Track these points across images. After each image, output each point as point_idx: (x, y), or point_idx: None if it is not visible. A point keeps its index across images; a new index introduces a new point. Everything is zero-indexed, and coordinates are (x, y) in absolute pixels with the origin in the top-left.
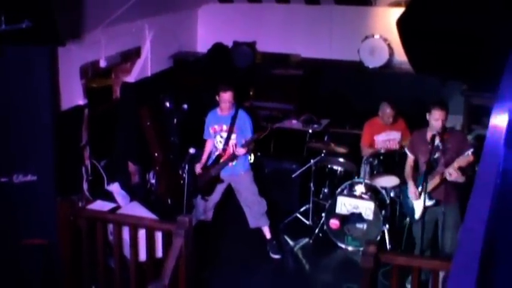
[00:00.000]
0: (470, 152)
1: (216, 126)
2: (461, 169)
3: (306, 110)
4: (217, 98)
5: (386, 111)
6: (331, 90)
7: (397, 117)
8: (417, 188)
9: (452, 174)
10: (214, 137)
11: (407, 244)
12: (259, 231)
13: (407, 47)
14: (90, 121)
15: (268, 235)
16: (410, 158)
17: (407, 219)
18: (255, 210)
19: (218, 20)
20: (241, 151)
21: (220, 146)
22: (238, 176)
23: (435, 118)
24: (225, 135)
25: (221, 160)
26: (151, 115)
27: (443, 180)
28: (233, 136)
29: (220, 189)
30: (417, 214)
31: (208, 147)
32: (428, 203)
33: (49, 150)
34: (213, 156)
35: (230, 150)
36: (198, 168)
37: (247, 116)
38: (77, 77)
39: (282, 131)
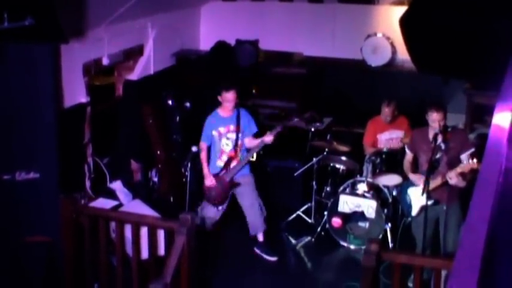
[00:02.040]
0: (473, 154)
1: (222, 129)
2: (462, 174)
3: (308, 108)
4: (219, 98)
5: (385, 110)
6: (333, 89)
7: (400, 116)
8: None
9: (453, 178)
10: (220, 140)
11: (402, 242)
12: (267, 231)
13: (410, 45)
14: (93, 119)
15: (261, 238)
16: (409, 155)
17: (410, 218)
18: (258, 217)
19: (221, 18)
20: (269, 138)
21: (228, 149)
22: (245, 176)
23: (432, 120)
24: (232, 136)
25: (233, 163)
26: (153, 113)
27: (446, 182)
28: (240, 136)
29: (246, 195)
30: (414, 211)
31: (206, 154)
32: (428, 202)
33: (52, 147)
34: (217, 161)
35: (238, 151)
36: (209, 181)
37: (248, 113)
38: (79, 74)
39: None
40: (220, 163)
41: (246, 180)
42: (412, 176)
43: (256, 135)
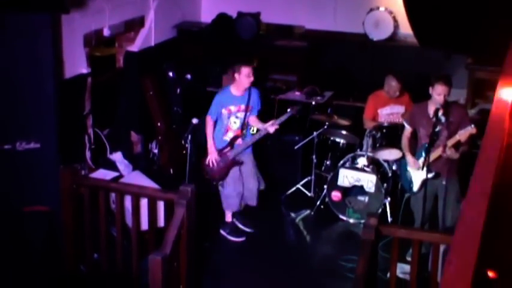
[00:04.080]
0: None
1: (233, 107)
2: (457, 144)
3: (309, 81)
4: (236, 75)
5: (392, 84)
6: (335, 63)
7: (403, 91)
8: (417, 160)
9: (447, 151)
10: (228, 117)
11: (404, 217)
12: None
13: (413, 19)
14: (93, 90)
15: (229, 218)
16: (408, 130)
17: (409, 193)
18: (250, 191)
19: None
20: (273, 129)
21: (235, 127)
22: (246, 154)
23: (438, 93)
24: (241, 115)
25: (237, 141)
26: (154, 85)
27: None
28: (247, 114)
29: (237, 171)
30: (416, 187)
31: (212, 130)
32: (429, 175)
33: (52, 118)
34: (222, 137)
35: (244, 130)
36: (214, 156)
37: (258, 91)
38: (80, 45)
39: (285, 102)
40: (226, 139)
41: (248, 158)
42: (409, 158)
43: (259, 114)
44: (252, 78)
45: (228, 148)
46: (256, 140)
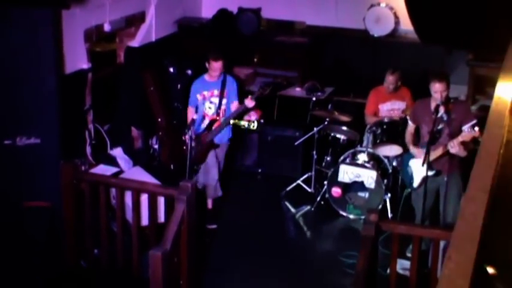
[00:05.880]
0: (475, 126)
1: (206, 93)
2: (464, 144)
3: (310, 77)
4: (206, 65)
5: (389, 78)
6: (335, 58)
7: (403, 87)
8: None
9: (454, 147)
10: (203, 103)
11: (403, 213)
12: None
13: (414, 15)
14: (94, 85)
15: (210, 205)
16: (411, 126)
17: (410, 189)
18: (211, 179)
19: None
20: (251, 103)
21: (210, 112)
22: (222, 143)
23: (434, 90)
24: (216, 100)
25: (215, 125)
26: (155, 80)
27: (447, 152)
28: (224, 101)
29: (212, 157)
30: (416, 183)
31: (191, 115)
32: (429, 173)
33: (53, 113)
34: (201, 123)
35: (221, 115)
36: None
37: (234, 80)
38: (81, 40)
39: (286, 98)
40: (203, 126)
41: (223, 147)
42: (413, 150)
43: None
44: (217, 73)
45: (206, 132)
46: (233, 116)
